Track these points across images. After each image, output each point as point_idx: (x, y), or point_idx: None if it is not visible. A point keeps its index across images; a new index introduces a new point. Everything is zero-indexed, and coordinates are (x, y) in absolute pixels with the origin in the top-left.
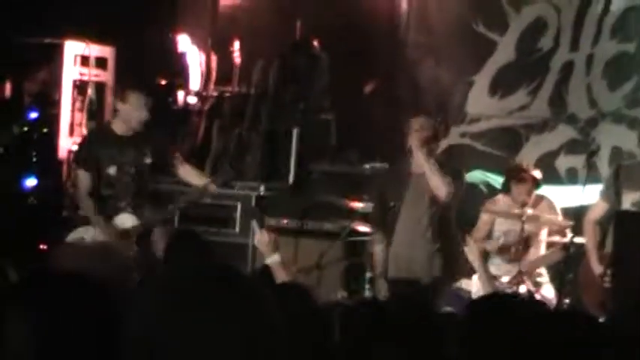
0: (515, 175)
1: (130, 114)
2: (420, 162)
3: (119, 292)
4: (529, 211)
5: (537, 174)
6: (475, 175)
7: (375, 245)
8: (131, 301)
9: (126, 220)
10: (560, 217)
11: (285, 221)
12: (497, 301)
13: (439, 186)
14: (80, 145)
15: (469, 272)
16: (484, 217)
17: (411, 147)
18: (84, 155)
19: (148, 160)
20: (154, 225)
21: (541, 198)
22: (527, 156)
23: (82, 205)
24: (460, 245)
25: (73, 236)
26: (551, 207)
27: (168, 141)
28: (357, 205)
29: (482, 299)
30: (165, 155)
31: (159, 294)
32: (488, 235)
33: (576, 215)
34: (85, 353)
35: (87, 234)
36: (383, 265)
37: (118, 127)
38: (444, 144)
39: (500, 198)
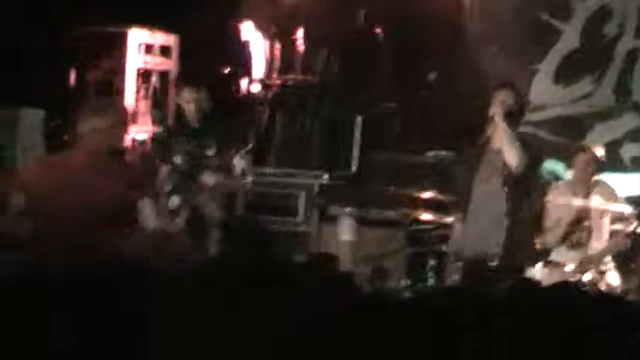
0: (577, 150)
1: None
2: (500, 134)
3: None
4: (595, 198)
5: (600, 151)
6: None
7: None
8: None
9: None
10: (622, 204)
11: (348, 210)
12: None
13: (514, 156)
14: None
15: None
16: (548, 205)
17: (493, 117)
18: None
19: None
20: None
21: (602, 184)
22: (594, 144)
23: None
24: (528, 232)
25: None
26: (612, 194)
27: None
28: (421, 193)
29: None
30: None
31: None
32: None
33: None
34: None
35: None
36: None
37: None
38: None
39: (563, 185)
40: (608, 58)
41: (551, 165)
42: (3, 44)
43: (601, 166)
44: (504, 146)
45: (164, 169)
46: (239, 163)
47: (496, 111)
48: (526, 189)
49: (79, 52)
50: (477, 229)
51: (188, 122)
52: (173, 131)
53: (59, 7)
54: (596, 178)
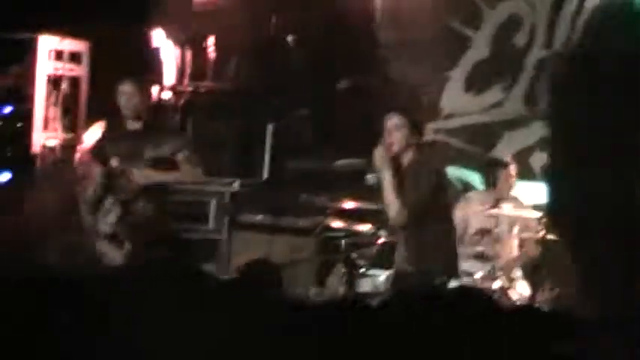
0: (500, 169)
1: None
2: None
3: None
4: (505, 207)
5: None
6: (450, 172)
7: None
8: None
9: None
10: (531, 212)
11: (259, 217)
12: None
13: (392, 209)
14: None
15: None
16: (458, 215)
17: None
18: None
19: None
20: None
21: (512, 197)
22: (503, 152)
23: None
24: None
25: None
26: (521, 202)
27: None
28: (332, 202)
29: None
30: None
31: None
32: (463, 233)
33: (550, 211)
34: None
35: None
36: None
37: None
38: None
39: (473, 195)
40: (519, 67)
41: (462, 174)
42: None
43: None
44: (384, 193)
45: (98, 172)
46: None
47: (378, 157)
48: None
49: None
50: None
51: (124, 121)
52: (109, 133)
53: None
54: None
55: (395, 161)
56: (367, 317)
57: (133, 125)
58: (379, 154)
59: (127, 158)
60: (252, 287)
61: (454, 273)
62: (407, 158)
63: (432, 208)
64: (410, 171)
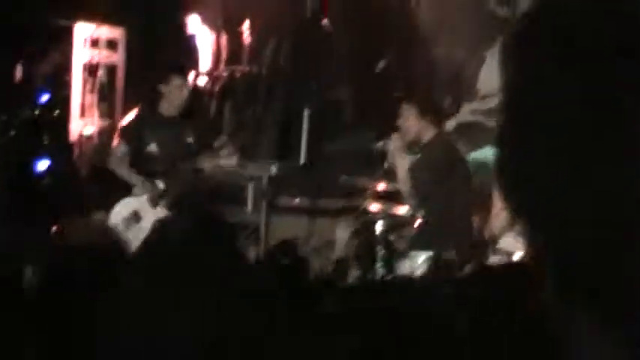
0: None
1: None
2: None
3: None
4: None
5: None
6: (487, 153)
7: None
8: None
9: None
10: None
11: (297, 200)
12: None
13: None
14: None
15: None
16: (494, 192)
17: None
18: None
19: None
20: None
21: None
22: None
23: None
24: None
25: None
26: None
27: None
28: (371, 183)
29: None
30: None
31: None
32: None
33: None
34: None
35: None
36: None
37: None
38: (454, 122)
39: None
40: None
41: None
42: None
43: None
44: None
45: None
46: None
47: (393, 143)
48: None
49: (26, 46)
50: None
51: (162, 110)
52: (145, 118)
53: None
54: None
55: (412, 146)
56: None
57: (169, 111)
58: (395, 140)
59: (165, 144)
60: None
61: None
62: (423, 143)
63: (448, 192)
64: (424, 156)
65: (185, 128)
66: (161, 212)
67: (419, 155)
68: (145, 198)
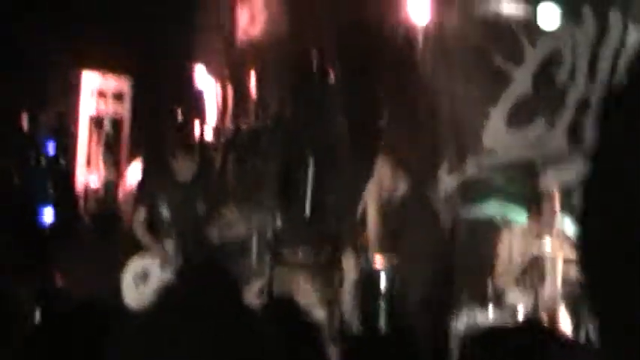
0: (544, 200)
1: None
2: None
3: None
4: (547, 239)
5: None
6: (492, 207)
7: None
8: None
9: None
10: (574, 249)
11: (301, 252)
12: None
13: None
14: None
15: None
16: (501, 248)
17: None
18: None
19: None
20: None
21: (557, 228)
22: (546, 187)
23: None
24: None
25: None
26: (566, 238)
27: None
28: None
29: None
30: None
31: None
32: (507, 265)
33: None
34: None
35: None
36: None
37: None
38: (458, 176)
39: (515, 229)
40: (561, 103)
41: (504, 209)
42: None
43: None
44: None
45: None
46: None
47: (368, 191)
48: None
49: (33, 95)
50: None
51: (174, 175)
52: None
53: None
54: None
55: (384, 195)
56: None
57: (181, 177)
58: (370, 188)
59: (176, 208)
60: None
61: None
62: (396, 193)
63: (420, 242)
64: (397, 206)
65: (195, 193)
66: (169, 274)
67: (392, 205)
68: (154, 259)
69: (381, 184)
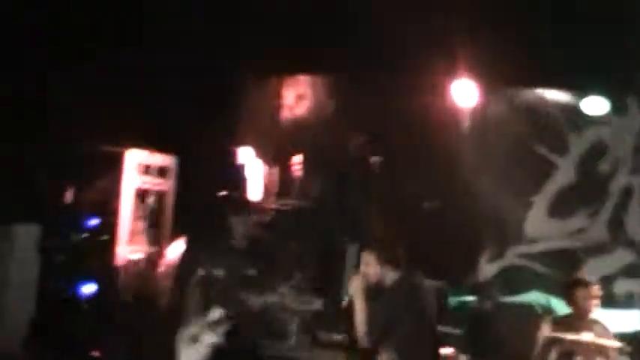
0: (582, 289)
1: None
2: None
3: None
4: (586, 334)
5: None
6: (532, 297)
7: None
8: None
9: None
10: (615, 341)
11: (341, 336)
12: None
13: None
14: None
15: None
16: (540, 339)
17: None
18: None
19: None
20: None
21: (596, 322)
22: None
23: None
24: None
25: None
26: (606, 330)
27: None
28: None
29: None
30: None
31: None
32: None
33: (633, 341)
34: None
35: None
36: None
37: None
38: (497, 265)
39: (554, 319)
40: (603, 193)
41: (544, 299)
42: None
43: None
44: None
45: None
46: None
47: (353, 285)
48: None
49: (76, 171)
50: None
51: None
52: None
53: (58, 123)
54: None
55: (371, 289)
56: None
57: (238, 244)
58: (354, 282)
59: (228, 273)
60: None
61: None
62: (382, 286)
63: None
64: (383, 299)
65: (246, 261)
66: (217, 338)
67: (379, 299)
68: (204, 322)
69: (367, 277)
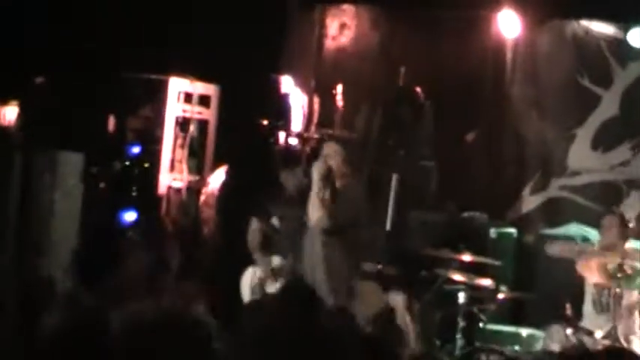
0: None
1: None
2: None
3: None
4: (627, 265)
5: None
6: (573, 229)
7: None
8: None
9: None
10: None
11: (380, 266)
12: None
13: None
14: None
15: None
16: (578, 270)
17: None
18: None
19: None
20: None
21: (633, 250)
22: (628, 211)
23: None
24: None
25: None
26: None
27: None
28: (454, 254)
29: None
30: None
31: None
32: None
33: None
34: None
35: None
36: None
37: None
38: (542, 196)
39: (593, 251)
40: None
41: (585, 231)
42: (47, 87)
43: (628, 231)
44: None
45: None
46: None
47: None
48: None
49: (119, 99)
50: None
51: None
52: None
53: (102, 52)
54: (627, 244)
55: (330, 179)
56: None
57: (289, 191)
58: (318, 168)
59: (285, 220)
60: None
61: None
62: (339, 181)
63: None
64: (339, 191)
65: (300, 207)
66: (279, 284)
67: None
68: (267, 269)
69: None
